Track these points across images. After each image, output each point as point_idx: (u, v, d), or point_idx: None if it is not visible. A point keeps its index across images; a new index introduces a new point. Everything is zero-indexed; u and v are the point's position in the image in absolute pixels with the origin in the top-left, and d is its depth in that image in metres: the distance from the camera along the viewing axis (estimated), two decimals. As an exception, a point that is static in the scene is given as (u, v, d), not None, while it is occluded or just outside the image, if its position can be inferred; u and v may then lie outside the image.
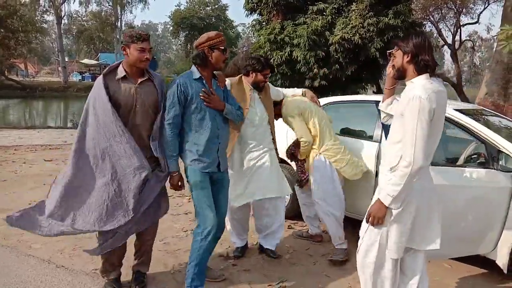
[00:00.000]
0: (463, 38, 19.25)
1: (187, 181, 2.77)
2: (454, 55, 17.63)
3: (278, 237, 3.50)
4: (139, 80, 2.66)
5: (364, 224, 2.36)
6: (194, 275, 2.65)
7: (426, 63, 2.16)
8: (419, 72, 2.18)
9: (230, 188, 3.01)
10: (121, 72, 2.63)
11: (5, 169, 6.36)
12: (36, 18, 31.76)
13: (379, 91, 15.22)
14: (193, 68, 2.75)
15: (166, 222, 4.27)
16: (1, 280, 2.88)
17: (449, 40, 18.31)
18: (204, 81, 2.72)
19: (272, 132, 3.44)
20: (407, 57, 2.20)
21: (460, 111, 3.36)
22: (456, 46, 18.19)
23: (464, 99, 15.22)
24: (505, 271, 3.02)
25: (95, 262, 3.20)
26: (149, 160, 2.62)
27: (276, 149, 3.47)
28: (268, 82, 3.47)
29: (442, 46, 19.68)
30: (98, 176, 2.57)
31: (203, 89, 2.67)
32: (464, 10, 17.85)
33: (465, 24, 18.52)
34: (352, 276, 3.19)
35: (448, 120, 3.29)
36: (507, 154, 2.95)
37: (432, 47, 2.30)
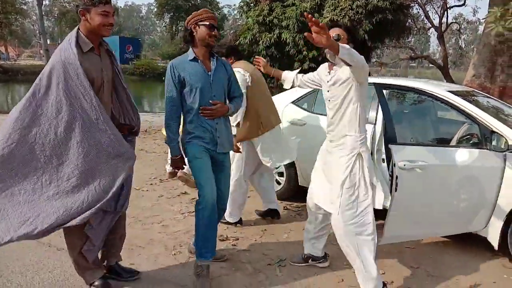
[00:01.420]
0: (450, 20, 19.31)
1: (188, 160, 2.78)
2: (440, 38, 17.67)
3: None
4: (101, 51, 2.43)
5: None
6: (203, 243, 2.69)
7: None
8: None
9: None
10: (87, 43, 2.31)
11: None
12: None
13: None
14: (190, 49, 2.75)
15: (163, 204, 4.32)
16: (3, 262, 2.89)
17: (436, 23, 18.36)
18: (199, 61, 2.70)
19: None
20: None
21: (454, 92, 3.42)
22: (443, 28, 18.26)
23: (450, 81, 15.36)
24: (496, 248, 3.14)
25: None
26: None
27: None
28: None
29: (429, 28, 19.74)
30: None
31: (201, 107, 2.66)
32: (450, -8, 17.86)
33: (452, 7, 18.52)
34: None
35: (442, 101, 3.37)
36: (500, 135, 3.03)
37: None
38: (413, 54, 19.20)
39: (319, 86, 2.94)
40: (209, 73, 2.72)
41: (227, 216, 3.63)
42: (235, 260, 3.15)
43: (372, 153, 3.72)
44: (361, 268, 2.56)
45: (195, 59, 2.70)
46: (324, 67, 2.79)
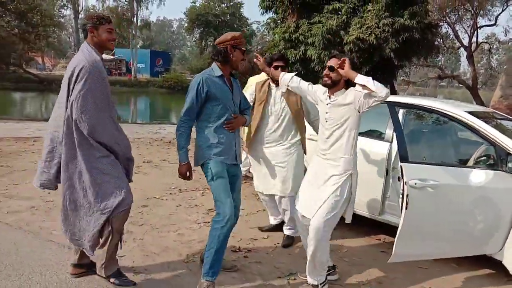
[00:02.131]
0: (480, 40, 19.02)
1: (205, 175, 2.87)
2: (470, 58, 17.41)
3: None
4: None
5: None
6: (213, 261, 2.75)
7: None
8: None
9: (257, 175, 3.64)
10: (98, 56, 2.65)
11: (25, 159, 6.57)
12: (54, 12, 32.28)
13: (393, 91, 15.17)
14: (214, 65, 2.88)
15: (180, 214, 4.42)
16: (25, 262, 3.04)
17: (466, 42, 18.11)
18: (225, 79, 2.86)
19: (298, 128, 3.59)
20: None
21: (471, 113, 3.41)
22: (473, 48, 17.98)
23: (480, 102, 15.07)
24: (511, 272, 3.08)
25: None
26: None
27: (303, 144, 3.66)
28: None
29: (458, 48, 19.48)
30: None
31: (227, 121, 2.85)
32: (481, 11, 17.62)
33: (482, 26, 18.28)
34: (362, 271, 3.28)
35: (459, 121, 3.36)
36: (516, 157, 3.00)
37: None
38: (441, 74, 18.96)
39: (313, 100, 3.07)
40: (231, 89, 2.89)
41: None
42: (246, 272, 3.20)
43: (387, 171, 3.75)
44: (314, 264, 2.85)
45: (222, 76, 2.85)
46: (323, 89, 2.92)
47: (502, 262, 3.12)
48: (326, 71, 2.82)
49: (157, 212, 4.42)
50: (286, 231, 3.79)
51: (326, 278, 2.95)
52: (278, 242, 3.79)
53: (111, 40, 2.69)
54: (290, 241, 3.76)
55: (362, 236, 4.09)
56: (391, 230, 2.90)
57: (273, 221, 4.04)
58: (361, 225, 4.28)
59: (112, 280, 2.83)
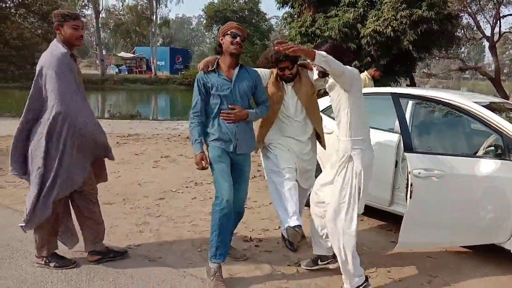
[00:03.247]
0: (503, 30, 18.52)
1: (209, 162, 2.97)
2: (492, 48, 16.97)
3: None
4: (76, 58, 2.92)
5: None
6: (218, 243, 2.85)
7: None
8: None
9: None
10: (67, 50, 2.80)
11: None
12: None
13: (412, 84, 14.99)
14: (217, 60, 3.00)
15: (195, 206, 4.56)
16: (29, 257, 3.20)
17: (488, 33, 17.69)
18: (220, 70, 2.93)
19: (315, 124, 3.29)
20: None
21: (479, 103, 3.41)
22: (495, 38, 17.54)
23: (503, 93, 14.73)
24: (520, 261, 3.09)
25: (130, 239, 3.53)
26: None
27: (322, 142, 3.38)
28: (307, 71, 3.26)
29: (480, 39, 19.03)
30: None
31: (222, 111, 2.91)
32: (504, 0, 17.16)
33: (506, 16, 17.79)
34: (371, 260, 3.34)
35: (467, 112, 3.37)
36: (524, 146, 3.00)
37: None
38: (462, 65, 18.59)
39: None
40: (230, 80, 2.93)
41: None
42: (256, 260, 3.30)
43: (396, 162, 3.79)
44: (344, 261, 2.76)
45: (215, 69, 2.94)
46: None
47: (511, 251, 3.13)
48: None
49: (173, 204, 4.57)
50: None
51: (365, 280, 2.82)
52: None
53: (77, 37, 2.78)
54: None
55: (372, 226, 4.15)
56: (401, 220, 2.94)
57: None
58: (372, 216, 4.34)
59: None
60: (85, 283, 2.82)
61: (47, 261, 2.96)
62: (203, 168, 2.94)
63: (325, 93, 3.54)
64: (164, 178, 5.63)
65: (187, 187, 5.31)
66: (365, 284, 2.80)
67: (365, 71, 8.34)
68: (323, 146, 3.41)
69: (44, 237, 2.93)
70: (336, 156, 2.83)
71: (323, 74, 2.88)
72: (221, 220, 2.81)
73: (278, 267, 3.21)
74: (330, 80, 2.78)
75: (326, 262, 3.14)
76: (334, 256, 3.14)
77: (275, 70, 3.24)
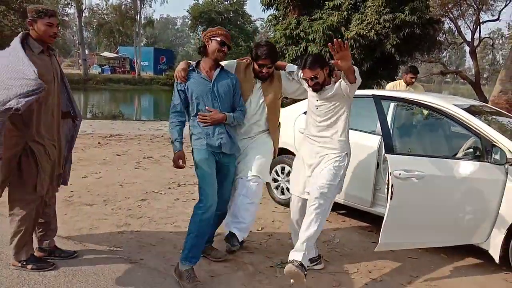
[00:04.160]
0: (483, 35, 18.95)
1: (194, 165, 2.96)
2: (473, 53, 17.40)
3: (243, 224, 3.14)
4: (51, 53, 2.80)
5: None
6: (192, 246, 2.82)
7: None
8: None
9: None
10: (37, 47, 2.68)
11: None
12: (58, 11, 32.42)
13: (394, 87, 15.16)
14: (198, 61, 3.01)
15: (177, 207, 4.52)
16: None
17: (468, 38, 18.08)
18: (200, 71, 2.94)
19: (271, 123, 3.25)
20: (327, 70, 2.90)
21: (459, 106, 3.47)
22: (475, 43, 17.94)
23: (482, 97, 15.06)
24: (497, 261, 3.15)
25: (110, 241, 3.48)
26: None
27: (276, 139, 3.32)
28: (280, 72, 3.26)
29: (461, 43, 19.45)
30: None
31: (199, 113, 2.91)
32: (484, 7, 17.59)
33: (485, 21, 18.25)
34: (352, 261, 3.36)
35: (446, 115, 3.42)
36: (501, 148, 3.07)
37: None
38: (443, 69, 18.94)
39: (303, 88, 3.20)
40: (210, 81, 2.92)
41: None
42: (238, 261, 3.29)
43: (378, 164, 3.82)
44: (316, 230, 2.79)
45: (195, 70, 2.94)
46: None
47: (489, 252, 3.19)
48: (310, 82, 2.89)
49: (155, 206, 4.52)
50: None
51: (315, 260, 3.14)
52: (271, 234, 3.89)
53: (51, 34, 2.68)
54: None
55: (354, 227, 4.18)
56: (382, 221, 2.97)
57: None
58: (353, 216, 4.38)
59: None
60: (63, 285, 2.76)
61: (24, 263, 2.89)
62: (180, 167, 2.91)
63: (293, 101, 3.67)
64: (146, 179, 5.57)
65: (169, 188, 5.27)
66: (319, 260, 3.18)
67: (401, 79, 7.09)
68: (276, 146, 3.32)
69: (22, 240, 2.86)
70: (328, 152, 2.96)
71: (321, 87, 2.93)
72: (201, 223, 2.80)
73: (260, 268, 3.20)
74: (331, 90, 2.91)
75: (312, 263, 3.15)
76: (319, 256, 3.16)
77: (245, 63, 3.25)
